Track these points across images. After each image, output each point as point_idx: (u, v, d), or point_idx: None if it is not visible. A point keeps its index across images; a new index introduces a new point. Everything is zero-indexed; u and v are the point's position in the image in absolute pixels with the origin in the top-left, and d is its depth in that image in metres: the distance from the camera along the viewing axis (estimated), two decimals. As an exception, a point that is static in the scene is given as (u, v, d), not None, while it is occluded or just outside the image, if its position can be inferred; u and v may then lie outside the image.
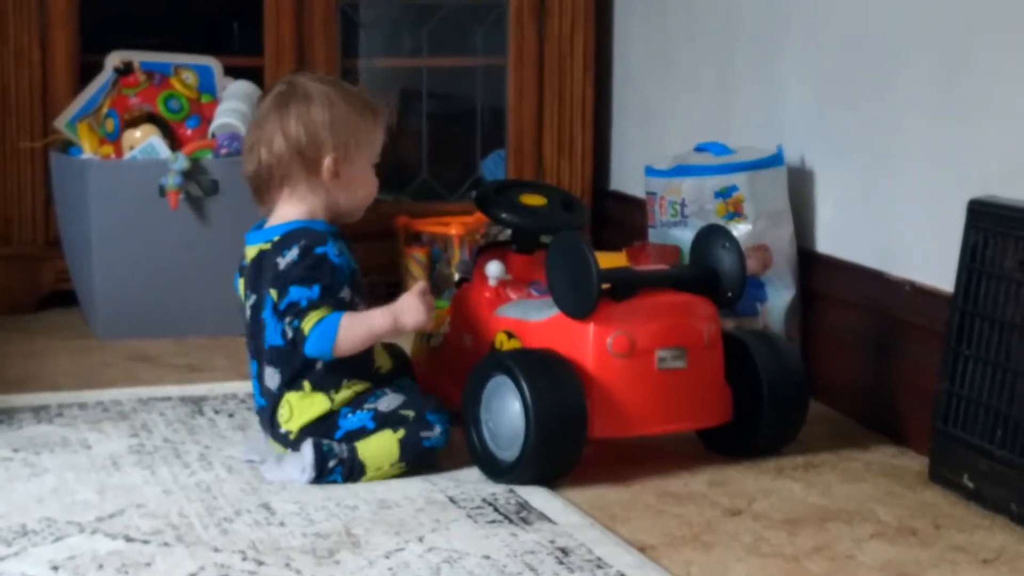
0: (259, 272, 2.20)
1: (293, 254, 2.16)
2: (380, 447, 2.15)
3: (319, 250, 2.16)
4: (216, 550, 1.87)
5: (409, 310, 2.17)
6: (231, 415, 2.47)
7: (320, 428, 2.17)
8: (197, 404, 2.53)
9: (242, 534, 1.93)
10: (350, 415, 2.17)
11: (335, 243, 2.18)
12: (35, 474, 2.16)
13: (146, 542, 1.89)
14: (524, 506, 2.05)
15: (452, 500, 2.08)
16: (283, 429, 2.18)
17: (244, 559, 1.84)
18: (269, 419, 2.20)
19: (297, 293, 2.14)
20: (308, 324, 2.13)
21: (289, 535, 1.93)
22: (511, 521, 1.99)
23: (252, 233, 2.25)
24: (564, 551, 1.88)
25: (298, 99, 2.21)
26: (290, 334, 2.15)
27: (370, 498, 2.08)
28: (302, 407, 2.17)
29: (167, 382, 2.68)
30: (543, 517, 2.01)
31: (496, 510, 2.04)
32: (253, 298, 2.21)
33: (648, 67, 3.34)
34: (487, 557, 1.86)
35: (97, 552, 1.86)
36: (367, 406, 2.18)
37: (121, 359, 2.86)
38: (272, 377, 2.19)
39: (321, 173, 2.20)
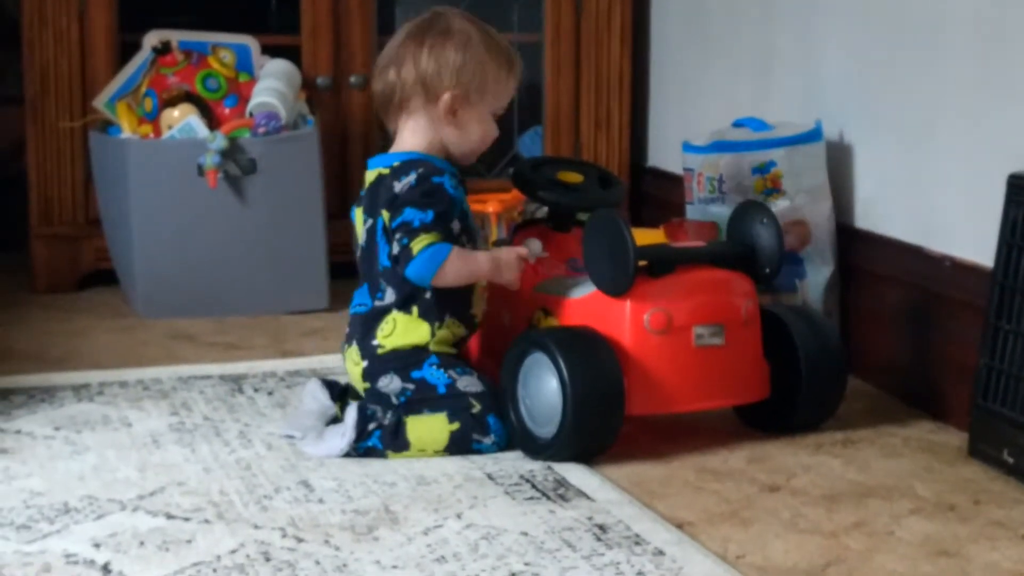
0: (375, 196, 2.23)
1: (410, 179, 2.19)
2: (430, 431, 2.16)
3: (436, 179, 2.20)
4: (256, 527, 1.88)
5: (509, 266, 2.23)
6: (270, 393, 2.48)
7: (407, 359, 2.19)
8: (237, 382, 2.54)
9: (282, 511, 1.94)
10: (435, 368, 2.19)
11: (451, 178, 2.22)
12: (76, 452, 2.17)
13: (187, 519, 1.91)
14: (562, 483, 2.05)
15: (490, 477, 2.08)
16: (377, 341, 2.21)
17: (284, 536, 1.85)
18: (366, 326, 2.22)
19: (411, 214, 2.17)
20: (418, 245, 2.16)
21: (328, 512, 1.94)
22: (549, 498, 2.00)
23: (374, 159, 2.28)
24: (602, 528, 1.89)
25: (437, 32, 2.25)
26: (395, 250, 2.17)
27: (408, 475, 2.09)
28: (407, 328, 2.20)
29: (207, 360, 2.70)
30: (581, 494, 2.01)
31: (534, 487, 2.04)
32: (370, 222, 2.24)
33: (686, 42, 3.32)
34: (525, 534, 1.86)
35: (138, 529, 1.87)
36: (451, 373, 2.20)
37: (161, 337, 2.87)
38: (387, 296, 2.21)
39: (438, 108, 2.23)
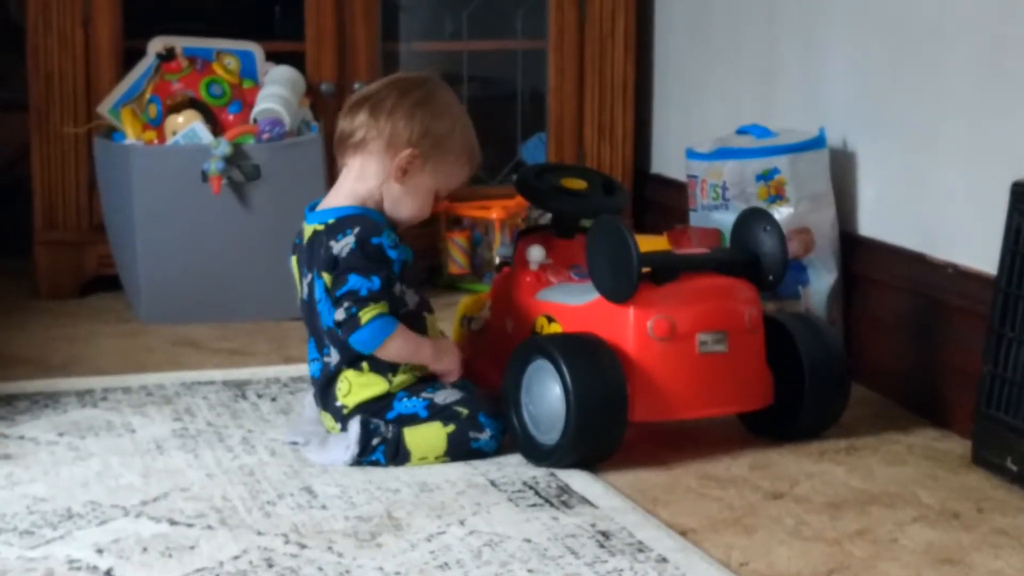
0: (313, 252, 2.21)
1: (349, 241, 2.16)
2: (428, 438, 2.16)
3: (375, 240, 2.17)
4: (259, 533, 1.88)
5: (450, 355, 2.23)
6: (274, 399, 2.48)
7: (374, 407, 2.18)
8: (240, 388, 2.54)
9: (285, 517, 1.94)
10: (405, 399, 2.19)
11: (389, 234, 2.20)
12: (80, 458, 2.17)
13: (190, 525, 1.91)
14: (565, 490, 2.05)
15: (493, 484, 2.08)
16: (339, 403, 2.20)
17: (287, 542, 1.85)
18: (325, 391, 2.22)
19: (356, 282, 2.15)
20: (365, 316, 2.14)
21: (331, 518, 1.94)
22: (552, 505, 2.00)
23: (310, 211, 2.26)
24: (605, 535, 1.89)
25: (423, 92, 2.24)
26: (341, 317, 2.15)
27: (411, 481, 2.09)
28: (360, 385, 2.19)
29: (210, 366, 2.70)
30: (584, 501, 2.01)
31: (537, 494, 2.04)
32: (309, 276, 2.23)
33: (689, 49, 3.33)
34: (528, 540, 1.87)
35: (141, 535, 1.87)
36: (424, 395, 2.19)
37: (164, 343, 2.87)
38: (331, 353, 2.20)
39: (394, 160, 2.21)
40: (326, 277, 2.18)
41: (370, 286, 2.15)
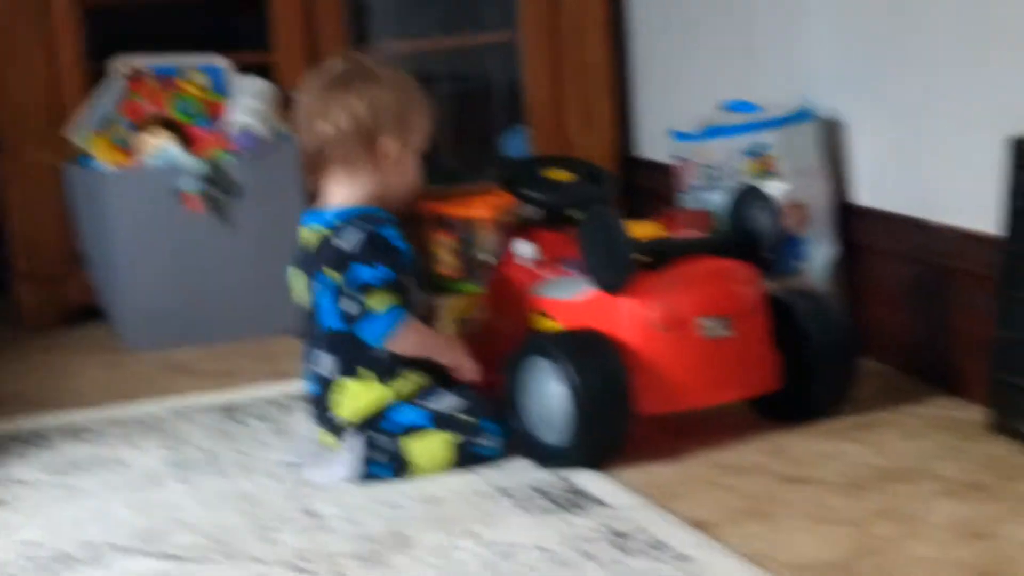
0: (318, 256, 2.15)
1: (358, 236, 2.11)
2: (431, 448, 2.10)
3: (383, 232, 2.13)
4: (263, 563, 1.81)
5: (462, 352, 2.18)
6: (268, 420, 2.42)
7: (374, 418, 2.12)
8: (233, 411, 2.48)
9: (288, 544, 1.87)
10: (406, 408, 2.12)
11: (394, 228, 2.15)
12: (72, 496, 2.11)
13: (190, 560, 1.84)
14: (575, 491, 1.99)
15: (501, 491, 2.02)
16: (336, 415, 2.13)
17: (293, 569, 1.79)
18: (321, 406, 2.15)
19: (366, 273, 2.10)
20: (379, 306, 2.09)
21: (337, 540, 1.87)
22: (563, 508, 1.93)
23: (309, 217, 2.20)
24: (620, 535, 1.82)
25: (361, 78, 2.18)
26: (354, 310, 2.09)
27: (415, 495, 2.02)
28: (357, 394, 2.12)
29: (201, 390, 2.63)
30: (596, 501, 1.94)
31: (547, 497, 1.98)
32: (311, 282, 2.16)
33: (667, 28, 3.26)
34: (542, 548, 1.80)
35: (141, 574, 1.80)
36: (424, 403, 2.13)
37: (153, 370, 2.81)
38: (328, 363, 2.14)
39: (379, 154, 2.17)
40: (332, 274, 2.11)
41: (381, 276, 2.10)
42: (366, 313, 2.09)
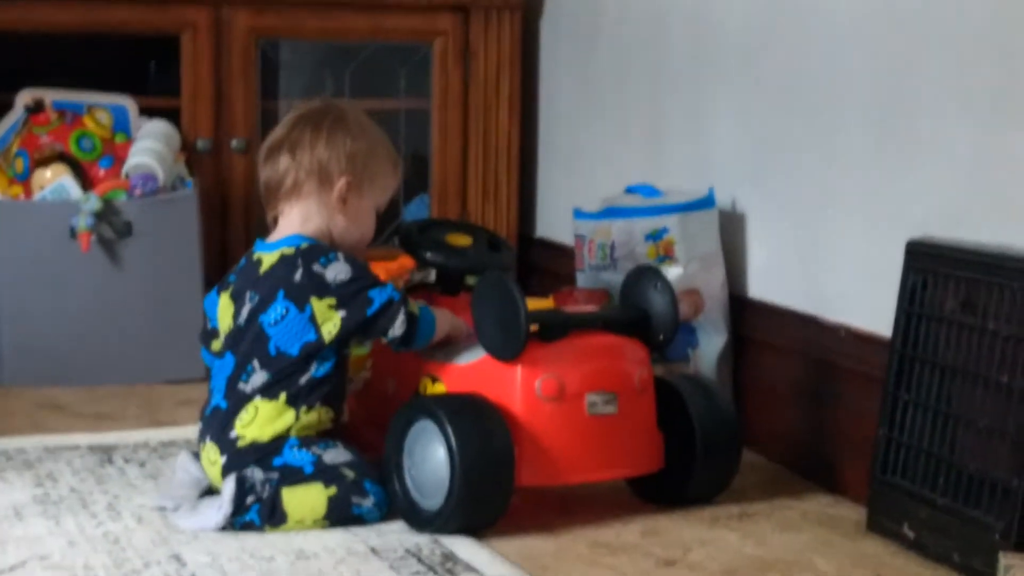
0: (274, 276, 2.14)
1: (341, 264, 2.13)
2: (307, 499, 2.06)
3: (356, 259, 2.16)
4: (123, 604, 1.77)
5: (461, 329, 2.21)
6: (142, 464, 2.36)
7: (266, 448, 2.09)
8: (107, 453, 2.42)
9: (151, 587, 1.82)
10: (296, 449, 2.09)
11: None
12: (-69, 525, 2.04)
13: (48, 596, 1.79)
14: (449, 557, 1.96)
15: (374, 551, 1.98)
16: (235, 433, 2.11)
17: (152, 613, 1.74)
18: (223, 422, 2.12)
19: (380, 294, 2.12)
20: (415, 308, 2.14)
21: (201, 588, 1.83)
22: (436, 573, 1.90)
23: (265, 244, 2.20)
24: (491, 604, 1.80)
25: (332, 119, 2.22)
26: (399, 330, 2.11)
27: (287, 548, 1.98)
28: (269, 415, 2.11)
29: (76, 430, 2.57)
30: (469, 568, 1.92)
31: (420, 561, 1.94)
32: (256, 299, 2.15)
33: (576, 111, 3.28)
34: (410, 610, 1.77)
35: (-5, 606, 1.75)
36: (314, 449, 2.10)
37: (28, 406, 2.74)
38: (255, 380, 2.12)
39: (332, 193, 2.18)
40: (325, 302, 2.11)
41: (391, 292, 2.12)
42: (411, 322, 2.12)
